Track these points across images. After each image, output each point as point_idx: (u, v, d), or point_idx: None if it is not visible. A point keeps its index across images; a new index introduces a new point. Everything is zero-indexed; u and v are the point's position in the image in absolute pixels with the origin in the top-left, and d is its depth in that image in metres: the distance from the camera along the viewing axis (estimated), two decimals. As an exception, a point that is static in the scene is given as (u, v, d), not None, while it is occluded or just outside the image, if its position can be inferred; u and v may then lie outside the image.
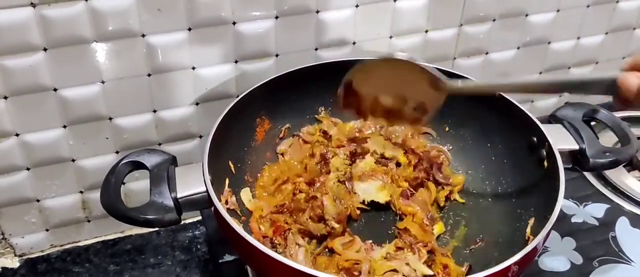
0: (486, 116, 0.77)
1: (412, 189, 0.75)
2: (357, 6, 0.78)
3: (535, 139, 0.70)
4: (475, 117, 0.78)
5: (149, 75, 0.73)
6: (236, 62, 0.77)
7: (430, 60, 0.85)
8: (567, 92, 0.66)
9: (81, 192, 0.79)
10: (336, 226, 0.69)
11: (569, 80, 0.61)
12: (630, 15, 0.96)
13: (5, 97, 0.68)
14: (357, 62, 0.79)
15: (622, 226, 0.82)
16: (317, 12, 0.77)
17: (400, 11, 0.81)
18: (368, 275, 0.65)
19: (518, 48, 0.92)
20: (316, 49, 0.80)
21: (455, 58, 0.90)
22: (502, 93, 0.72)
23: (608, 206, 0.85)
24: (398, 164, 0.78)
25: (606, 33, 0.97)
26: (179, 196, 0.61)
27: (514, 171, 0.74)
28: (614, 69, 1.02)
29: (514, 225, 0.69)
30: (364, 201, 0.74)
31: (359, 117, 0.71)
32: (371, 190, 0.74)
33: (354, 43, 0.82)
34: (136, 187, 0.81)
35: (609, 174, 0.89)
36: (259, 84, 0.73)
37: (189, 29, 0.71)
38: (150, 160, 0.64)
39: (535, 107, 1.01)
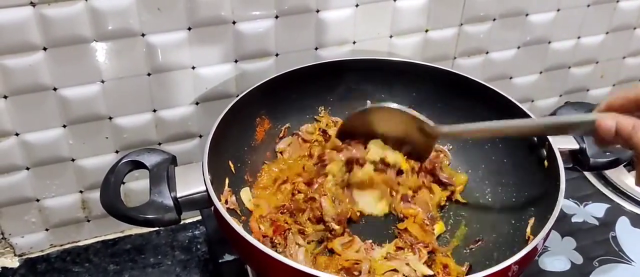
0: (486, 116, 0.76)
1: (413, 192, 0.74)
2: (357, 5, 0.78)
3: (535, 138, 0.70)
4: (476, 117, 0.78)
5: (149, 74, 0.73)
6: (236, 61, 0.77)
7: (430, 59, 0.85)
8: (549, 135, 0.66)
9: (81, 191, 0.79)
10: (336, 227, 0.69)
11: (551, 122, 0.62)
12: (631, 14, 0.96)
13: (5, 97, 0.68)
14: (356, 61, 0.80)
15: (623, 225, 0.82)
16: (317, 11, 0.76)
17: (400, 11, 0.81)
18: (368, 275, 0.65)
19: (518, 48, 0.92)
20: (316, 49, 0.80)
21: (455, 58, 0.89)
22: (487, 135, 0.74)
23: (608, 205, 0.85)
24: (400, 172, 0.75)
25: (606, 33, 0.97)
26: (178, 195, 0.61)
27: (514, 171, 0.74)
28: (615, 69, 1.03)
29: (514, 225, 0.69)
30: (361, 212, 0.73)
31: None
32: (370, 202, 0.73)
33: (354, 42, 0.82)
34: (136, 187, 0.81)
35: (609, 173, 0.89)
36: (259, 84, 0.73)
37: (189, 29, 0.71)
38: (150, 159, 0.64)
39: (536, 106, 1.00)
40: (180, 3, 0.69)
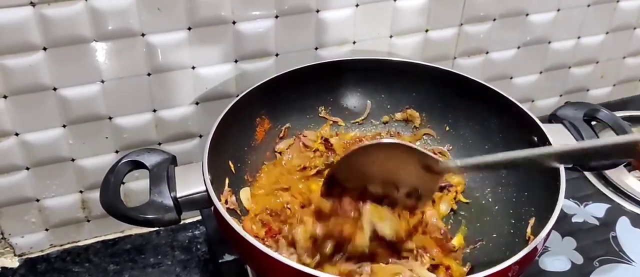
0: (486, 116, 0.77)
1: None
2: (357, 5, 0.78)
3: (535, 138, 0.70)
4: (476, 117, 0.78)
5: (149, 74, 0.73)
6: (236, 61, 0.77)
7: (430, 59, 0.85)
8: (584, 163, 0.60)
9: (81, 191, 0.79)
10: (307, 260, 0.63)
11: (587, 147, 0.54)
12: (631, 14, 0.96)
13: (5, 97, 0.68)
14: (356, 61, 0.80)
15: (623, 225, 0.81)
16: (317, 11, 0.76)
17: (400, 10, 0.81)
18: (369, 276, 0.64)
19: (518, 48, 0.92)
20: (316, 49, 0.80)
21: (455, 58, 0.89)
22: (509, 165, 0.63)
23: (609, 205, 0.85)
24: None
25: (607, 33, 0.97)
26: (178, 195, 0.60)
27: (514, 171, 0.74)
28: (615, 69, 1.02)
29: (514, 225, 0.69)
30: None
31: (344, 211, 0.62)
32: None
33: (354, 42, 0.82)
34: (136, 187, 0.81)
35: (610, 173, 0.88)
36: (259, 84, 0.73)
37: (189, 29, 0.71)
38: (150, 159, 0.64)
39: (536, 106, 1.00)
40: (180, 3, 0.69)
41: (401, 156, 0.58)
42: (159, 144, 0.79)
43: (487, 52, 0.91)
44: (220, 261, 0.73)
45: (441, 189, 0.76)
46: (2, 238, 0.79)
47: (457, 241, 0.71)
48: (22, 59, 0.66)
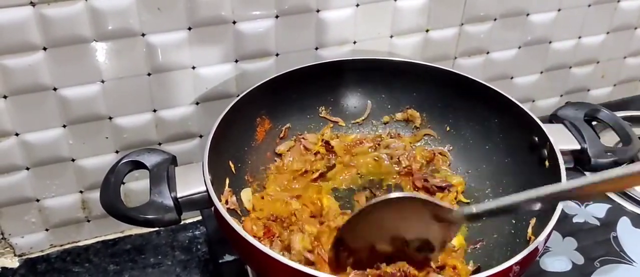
0: (487, 116, 0.77)
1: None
2: (357, 5, 0.78)
3: (536, 138, 0.70)
4: (477, 117, 0.78)
5: (149, 74, 0.73)
6: (236, 61, 0.77)
7: (431, 59, 0.85)
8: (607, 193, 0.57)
9: (81, 192, 0.79)
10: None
11: (606, 178, 0.49)
12: (632, 14, 0.96)
13: (5, 97, 0.68)
14: (357, 61, 0.80)
15: (624, 226, 0.81)
16: (318, 11, 0.76)
17: (400, 10, 0.81)
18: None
19: (519, 47, 0.92)
20: (316, 49, 0.80)
21: (456, 58, 0.89)
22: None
23: (609, 206, 0.84)
24: None
25: (607, 32, 0.97)
26: (179, 195, 0.60)
27: (515, 171, 0.74)
28: (615, 69, 1.02)
29: (515, 225, 0.69)
30: None
31: (356, 272, 0.60)
32: None
33: (354, 42, 0.82)
34: (136, 187, 0.81)
35: (610, 174, 0.88)
36: (259, 84, 0.73)
37: (189, 29, 0.71)
38: (150, 159, 0.64)
39: (536, 106, 1.00)
40: (181, 3, 0.69)
41: (410, 209, 0.56)
42: (159, 144, 0.79)
43: (487, 52, 0.91)
44: (220, 261, 0.73)
45: (442, 189, 0.76)
46: (2, 238, 0.79)
47: (457, 241, 0.70)
48: (22, 59, 0.65)
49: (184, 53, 0.73)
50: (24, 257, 0.81)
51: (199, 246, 0.83)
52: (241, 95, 0.71)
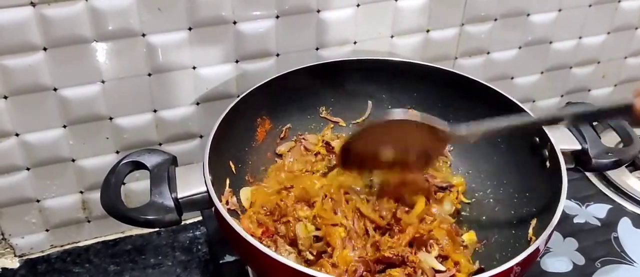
0: (488, 116, 0.76)
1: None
2: (358, 5, 0.78)
3: (537, 139, 0.70)
4: (477, 117, 0.78)
5: (150, 75, 0.73)
6: (237, 61, 0.77)
7: (431, 60, 0.85)
8: (583, 123, 0.65)
9: (81, 192, 0.79)
10: (310, 257, 0.66)
11: (585, 111, 0.61)
12: (632, 15, 0.96)
13: (5, 97, 0.68)
14: (357, 62, 0.80)
15: (625, 226, 0.81)
16: (318, 11, 0.76)
17: (401, 11, 0.81)
18: None
19: (519, 48, 0.92)
20: (317, 49, 0.80)
21: (456, 58, 0.89)
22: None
23: (610, 206, 0.85)
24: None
25: (608, 33, 0.96)
26: (179, 196, 0.60)
27: (516, 171, 0.74)
28: (616, 69, 1.02)
29: (516, 225, 0.69)
30: None
31: (361, 174, 0.71)
32: None
33: (355, 43, 0.81)
34: (136, 188, 0.81)
35: (611, 174, 0.88)
36: (259, 84, 0.73)
37: (190, 29, 0.71)
38: (150, 160, 0.64)
39: (537, 107, 1.00)
40: (181, 3, 0.69)
41: (409, 126, 0.63)
42: (160, 144, 0.79)
43: (488, 52, 0.91)
44: (221, 261, 0.73)
45: (443, 189, 0.76)
46: (2, 239, 0.79)
47: (468, 237, 0.70)
48: (22, 59, 0.65)
49: (185, 53, 0.73)
50: (25, 257, 0.81)
51: (199, 247, 0.83)
52: (242, 96, 0.71)
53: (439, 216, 0.71)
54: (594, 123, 0.73)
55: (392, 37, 0.83)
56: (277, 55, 0.78)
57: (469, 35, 0.87)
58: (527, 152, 0.71)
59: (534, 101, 1.00)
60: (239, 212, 0.69)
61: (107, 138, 0.75)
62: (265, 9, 0.73)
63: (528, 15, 0.89)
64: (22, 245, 0.80)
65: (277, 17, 0.75)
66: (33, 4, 0.63)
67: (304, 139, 0.80)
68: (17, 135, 0.71)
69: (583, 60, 0.98)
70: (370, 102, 0.83)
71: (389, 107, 0.83)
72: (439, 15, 0.83)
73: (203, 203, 0.61)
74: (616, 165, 0.70)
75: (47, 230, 0.80)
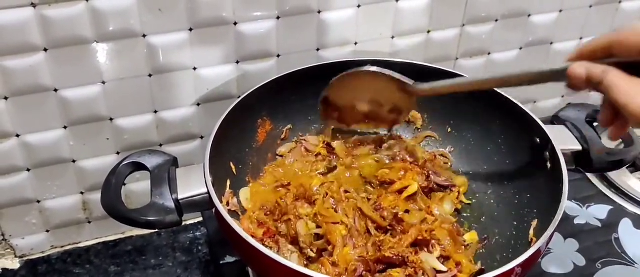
0: (489, 117, 0.76)
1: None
2: (359, 6, 0.78)
3: (538, 140, 0.70)
4: (478, 119, 0.78)
5: (150, 75, 0.73)
6: (237, 62, 0.76)
7: (432, 60, 0.85)
8: (522, 85, 0.67)
9: (82, 193, 0.79)
10: (312, 254, 0.66)
11: (523, 74, 0.66)
12: (633, 15, 0.96)
13: (6, 98, 0.67)
14: (358, 62, 0.79)
15: (625, 227, 0.81)
16: (319, 12, 0.76)
17: (402, 11, 0.81)
18: None
19: (520, 48, 0.92)
20: (318, 50, 0.80)
21: (457, 58, 0.89)
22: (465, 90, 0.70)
23: (611, 207, 0.84)
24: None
25: (609, 33, 0.96)
26: (180, 197, 0.60)
27: (516, 172, 0.74)
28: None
29: (517, 226, 0.69)
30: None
31: (341, 126, 0.78)
32: None
33: (355, 43, 0.81)
34: (137, 189, 0.81)
35: (612, 175, 0.88)
36: (260, 85, 0.72)
37: (190, 30, 0.71)
38: (151, 161, 0.64)
39: (538, 108, 1.00)
40: (182, 4, 0.69)
41: (379, 80, 0.70)
42: (160, 145, 0.79)
43: (489, 53, 0.91)
44: (221, 262, 0.73)
45: (444, 189, 0.76)
46: (2, 239, 0.79)
47: (470, 237, 0.71)
48: (22, 60, 0.65)
49: (185, 54, 0.73)
50: (25, 258, 0.81)
51: (200, 247, 0.83)
52: (242, 97, 0.71)
53: (440, 216, 0.71)
54: (595, 124, 0.73)
55: (393, 37, 0.83)
56: (278, 56, 0.78)
57: (469, 36, 0.87)
58: (528, 153, 0.71)
59: (534, 102, 1.00)
60: (240, 213, 0.69)
61: (108, 139, 0.75)
62: (266, 10, 0.73)
63: (529, 15, 0.89)
64: (23, 246, 0.80)
65: (278, 18, 0.74)
66: (34, 5, 0.63)
67: (304, 140, 0.80)
68: (17, 136, 0.71)
69: (584, 61, 0.98)
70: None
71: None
72: (440, 15, 0.83)
73: (204, 204, 0.61)
74: (617, 166, 0.70)
75: (47, 231, 0.80)
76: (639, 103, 0.47)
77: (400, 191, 0.73)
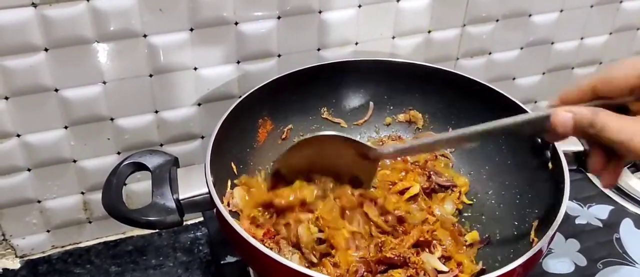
0: (490, 117, 0.76)
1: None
2: (359, 6, 0.78)
3: (539, 140, 0.70)
4: (479, 119, 0.77)
5: (151, 75, 0.73)
6: (238, 62, 0.76)
7: (433, 60, 0.85)
8: (500, 136, 0.63)
9: (82, 193, 0.79)
10: (314, 260, 0.64)
11: (501, 125, 0.58)
12: (634, 15, 0.96)
13: (6, 98, 0.67)
14: (359, 62, 0.79)
15: (626, 227, 0.81)
16: (320, 12, 0.76)
17: (403, 11, 0.81)
18: None
19: (521, 48, 0.92)
20: (318, 50, 0.80)
21: (458, 58, 0.89)
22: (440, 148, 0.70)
23: (612, 207, 0.84)
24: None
25: (610, 33, 0.96)
26: (181, 197, 0.60)
27: (518, 172, 0.74)
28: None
29: (518, 226, 0.69)
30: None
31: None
32: None
33: (356, 43, 0.81)
34: (138, 189, 0.81)
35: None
36: (261, 85, 0.72)
37: (191, 30, 0.71)
38: (152, 161, 0.64)
39: (539, 108, 1.00)
40: (182, 4, 0.69)
41: (338, 146, 0.63)
42: (161, 145, 0.79)
43: (489, 53, 0.90)
44: (222, 262, 0.73)
45: (445, 189, 0.76)
46: (3, 239, 0.79)
47: (471, 237, 0.70)
48: (23, 59, 0.65)
49: (186, 54, 0.73)
50: (25, 258, 0.81)
51: (200, 247, 0.83)
52: (243, 97, 0.71)
53: (441, 216, 0.71)
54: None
55: (393, 37, 0.83)
56: (279, 56, 0.78)
57: (470, 36, 0.87)
58: (529, 153, 0.71)
59: (535, 102, 1.00)
60: (240, 213, 0.69)
61: (109, 139, 0.75)
62: (267, 10, 0.73)
63: (530, 15, 0.88)
64: (23, 246, 0.80)
65: (279, 17, 0.74)
66: (34, 5, 0.63)
67: None
68: (18, 136, 0.71)
69: (585, 61, 0.98)
70: (371, 103, 0.83)
71: (391, 108, 0.83)
72: (441, 15, 0.83)
73: (205, 204, 0.61)
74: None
75: (48, 231, 0.80)
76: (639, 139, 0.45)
77: (402, 192, 0.73)
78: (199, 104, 0.78)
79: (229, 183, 0.69)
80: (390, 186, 0.74)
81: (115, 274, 0.80)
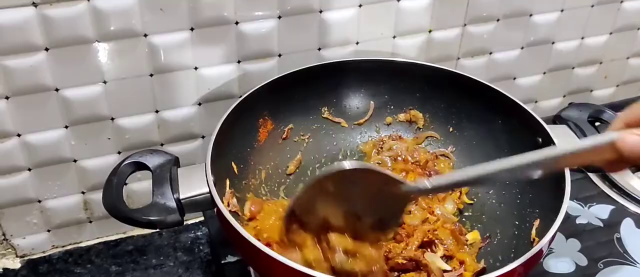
0: (490, 117, 0.76)
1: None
2: (360, 6, 0.78)
3: (540, 140, 0.69)
4: (480, 118, 0.78)
5: (151, 75, 0.73)
6: (239, 62, 0.76)
7: (433, 60, 0.85)
8: (562, 169, 0.54)
9: (83, 192, 0.79)
10: None
11: (559, 154, 0.49)
12: (635, 15, 0.96)
13: (7, 98, 0.67)
14: (359, 62, 0.79)
15: (627, 227, 0.81)
16: (320, 12, 0.76)
17: (403, 11, 0.81)
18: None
19: (522, 48, 0.92)
20: (319, 49, 0.80)
21: (459, 58, 0.89)
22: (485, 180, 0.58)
23: (613, 207, 0.84)
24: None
25: (610, 33, 0.96)
26: (181, 197, 0.60)
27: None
28: (618, 70, 1.02)
29: (519, 226, 0.69)
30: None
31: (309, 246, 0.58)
32: None
33: (357, 43, 0.81)
34: (138, 188, 0.81)
35: (614, 175, 0.88)
36: (261, 84, 0.72)
37: (192, 29, 0.71)
38: (152, 161, 0.64)
39: (540, 108, 1.00)
40: (183, 3, 0.69)
41: (363, 181, 0.53)
42: (162, 145, 0.79)
43: (490, 53, 0.90)
44: (222, 262, 0.73)
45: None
46: (3, 239, 0.79)
47: (472, 236, 0.70)
48: (23, 59, 0.65)
49: (187, 54, 0.73)
50: (26, 258, 0.81)
51: (201, 247, 0.83)
52: (244, 96, 0.71)
53: (442, 216, 0.71)
54: (597, 124, 0.73)
55: (394, 37, 0.83)
56: (279, 55, 0.78)
57: (471, 36, 0.87)
58: (530, 153, 0.71)
59: (536, 102, 1.00)
60: (240, 213, 0.69)
61: (109, 139, 0.75)
62: (267, 10, 0.73)
63: (530, 15, 0.88)
64: (24, 245, 0.80)
65: (279, 17, 0.74)
66: (35, 4, 0.63)
67: None
68: (18, 135, 0.71)
69: (585, 61, 0.98)
70: (372, 103, 0.83)
71: (391, 107, 0.83)
72: (442, 15, 0.83)
73: (205, 204, 0.61)
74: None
75: (48, 230, 0.80)
76: None
77: None
78: (200, 104, 0.78)
79: (229, 183, 0.69)
80: None
81: (115, 273, 0.80)
